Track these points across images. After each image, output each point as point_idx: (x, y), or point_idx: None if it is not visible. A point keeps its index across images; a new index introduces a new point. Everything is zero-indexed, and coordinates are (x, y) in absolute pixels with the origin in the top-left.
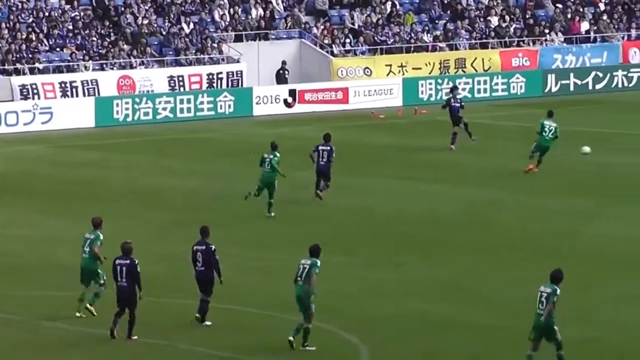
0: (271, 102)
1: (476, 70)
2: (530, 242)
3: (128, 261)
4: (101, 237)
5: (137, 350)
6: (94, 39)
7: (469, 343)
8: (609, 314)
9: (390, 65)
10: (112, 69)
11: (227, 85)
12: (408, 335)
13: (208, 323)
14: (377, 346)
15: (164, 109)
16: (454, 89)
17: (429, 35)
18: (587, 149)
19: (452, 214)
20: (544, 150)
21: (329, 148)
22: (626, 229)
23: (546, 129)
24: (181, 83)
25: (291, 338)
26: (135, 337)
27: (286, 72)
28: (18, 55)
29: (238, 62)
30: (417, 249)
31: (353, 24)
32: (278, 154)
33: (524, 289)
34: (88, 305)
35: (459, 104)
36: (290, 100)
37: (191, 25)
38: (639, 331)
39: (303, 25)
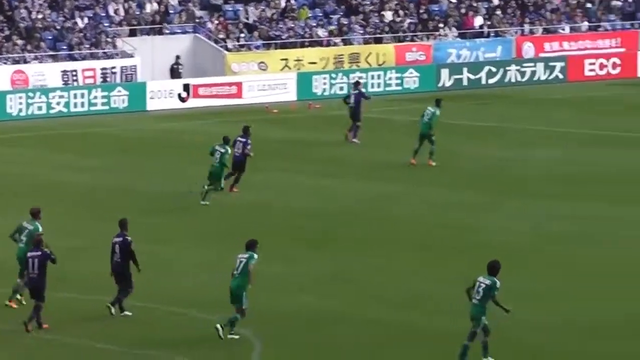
0: (165, 97)
1: (370, 65)
2: (424, 235)
3: (39, 253)
4: (40, 228)
5: (30, 344)
6: None
7: (361, 336)
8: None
9: (286, 60)
10: (5, 63)
11: (121, 80)
12: (301, 329)
13: (114, 313)
14: (271, 339)
15: (58, 103)
16: (358, 84)
17: (323, 30)
18: None
19: (347, 208)
20: (424, 137)
21: (244, 140)
22: (519, 223)
23: (424, 114)
24: (75, 78)
25: (218, 326)
26: (32, 329)
27: (180, 67)
28: None
29: (132, 56)
30: (312, 243)
31: (247, 18)
32: (229, 148)
33: (417, 282)
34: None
35: (361, 99)
36: (184, 94)
37: (85, 20)
38: (531, 326)
39: (197, 20)
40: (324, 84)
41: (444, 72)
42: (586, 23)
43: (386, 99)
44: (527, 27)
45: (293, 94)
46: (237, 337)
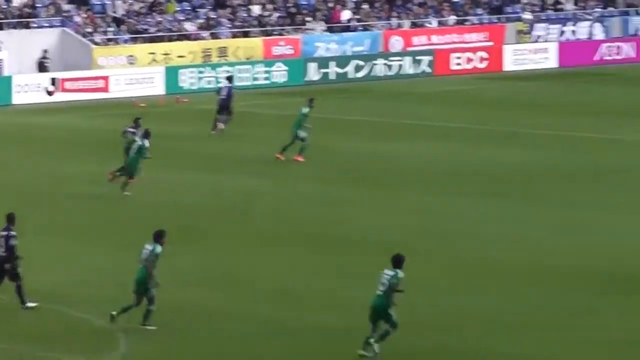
0: (32, 91)
1: (238, 59)
2: (293, 230)
3: None
4: None
5: None
6: None
7: (232, 330)
8: (365, 301)
9: (154, 54)
10: None
11: None
12: (170, 323)
13: (31, 305)
14: (137, 333)
15: None
16: (230, 78)
17: (191, 23)
18: None
19: (215, 202)
20: (293, 134)
21: (133, 131)
22: (387, 217)
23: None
24: None
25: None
26: None
27: (47, 61)
28: None
29: None
30: (181, 237)
31: (115, 12)
32: (147, 142)
33: (287, 277)
34: None
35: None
36: (51, 89)
37: None
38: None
39: (65, 14)
40: (192, 78)
41: (312, 66)
42: (454, 17)
43: (254, 93)
44: (394, 21)
45: (161, 88)
46: (154, 327)
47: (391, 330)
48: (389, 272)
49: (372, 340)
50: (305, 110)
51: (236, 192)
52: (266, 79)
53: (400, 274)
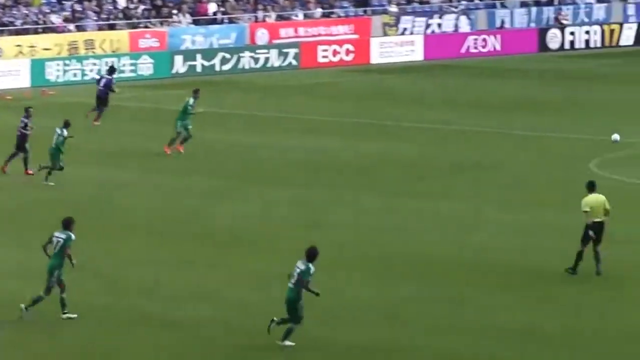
0: None
1: (105, 52)
2: (158, 222)
3: None
4: None
5: None
6: None
7: (96, 325)
8: (234, 292)
9: (20, 46)
10: None
11: None
12: (35, 316)
13: None
14: (10, 325)
15: None
16: (112, 70)
17: (57, 16)
18: (616, 136)
19: (81, 196)
20: (183, 128)
21: (26, 121)
22: (252, 209)
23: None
24: None
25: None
26: None
27: None
28: None
29: None
30: (46, 230)
31: None
32: (66, 132)
33: (150, 269)
34: None
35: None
36: None
37: None
38: (260, 310)
39: None
40: (58, 70)
41: (178, 59)
42: (320, 9)
43: (120, 85)
44: (260, 14)
45: (27, 80)
46: (74, 316)
47: (294, 326)
48: (300, 266)
49: (279, 342)
50: (191, 101)
51: (102, 185)
52: (132, 71)
53: (312, 269)
